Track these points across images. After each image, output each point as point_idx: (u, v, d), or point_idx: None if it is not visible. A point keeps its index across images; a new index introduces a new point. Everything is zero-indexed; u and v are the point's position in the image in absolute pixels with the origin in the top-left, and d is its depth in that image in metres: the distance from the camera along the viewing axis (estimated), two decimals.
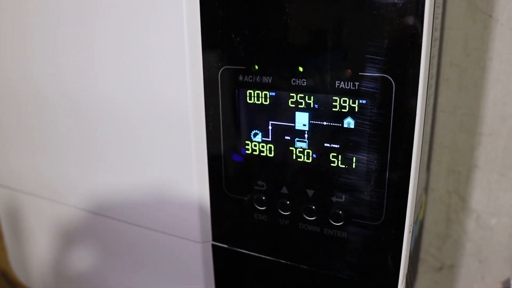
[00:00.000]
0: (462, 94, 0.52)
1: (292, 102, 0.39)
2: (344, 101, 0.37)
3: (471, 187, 0.54)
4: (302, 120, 0.39)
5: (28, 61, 0.52)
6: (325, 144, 0.39)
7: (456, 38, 0.51)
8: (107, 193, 0.51)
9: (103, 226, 0.53)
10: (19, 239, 0.66)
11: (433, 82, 0.46)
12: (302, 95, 0.38)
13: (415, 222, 0.43)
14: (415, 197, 0.37)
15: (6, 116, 0.58)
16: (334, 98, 0.37)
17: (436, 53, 0.45)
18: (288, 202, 0.41)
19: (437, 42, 0.44)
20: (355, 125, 0.37)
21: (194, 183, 0.45)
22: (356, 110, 0.37)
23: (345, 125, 0.38)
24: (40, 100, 0.53)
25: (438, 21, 0.42)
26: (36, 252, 0.64)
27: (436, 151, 0.55)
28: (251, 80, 0.40)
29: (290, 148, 0.40)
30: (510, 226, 0.53)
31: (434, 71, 0.46)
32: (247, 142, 0.42)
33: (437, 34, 0.42)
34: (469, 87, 0.52)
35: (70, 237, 0.58)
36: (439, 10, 0.41)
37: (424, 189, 0.53)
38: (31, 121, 0.55)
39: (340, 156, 0.38)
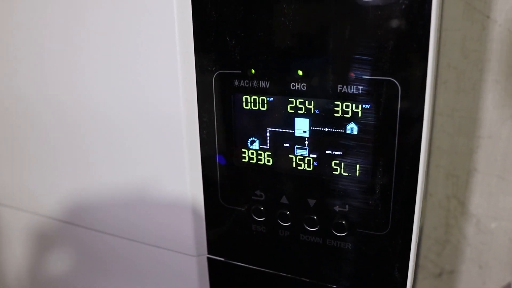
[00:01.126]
0: (460, 96, 0.51)
1: (291, 108, 0.37)
2: (347, 106, 0.35)
3: (471, 191, 0.53)
4: (302, 127, 0.37)
5: (12, 68, 0.49)
6: (327, 151, 0.37)
7: (454, 39, 0.50)
8: (98, 208, 0.49)
9: (96, 241, 0.51)
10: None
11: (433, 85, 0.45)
12: (302, 100, 0.37)
13: None
14: (421, 205, 0.36)
15: None
16: (336, 103, 0.35)
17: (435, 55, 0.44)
18: (288, 213, 0.39)
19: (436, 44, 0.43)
20: (358, 131, 0.35)
21: (188, 195, 0.43)
22: (360, 115, 0.35)
23: (348, 131, 0.36)
24: (24, 109, 0.50)
25: (438, 21, 0.41)
26: (20, 267, 0.61)
27: (435, 155, 0.54)
28: (248, 85, 0.38)
29: (290, 155, 0.38)
30: (510, 230, 0.52)
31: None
32: (243, 150, 0.40)
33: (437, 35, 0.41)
34: (467, 89, 0.51)
35: (60, 252, 0.55)
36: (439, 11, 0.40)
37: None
38: (11, 131, 0.52)
39: (342, 163, 0.37)
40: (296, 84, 0.36)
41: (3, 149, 0.54)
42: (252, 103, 0.39)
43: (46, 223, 0.54)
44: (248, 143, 0.40)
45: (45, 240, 0.56)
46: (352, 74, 0.34)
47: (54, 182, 0.51)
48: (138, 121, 0.43)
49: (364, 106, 0.35)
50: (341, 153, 0.37)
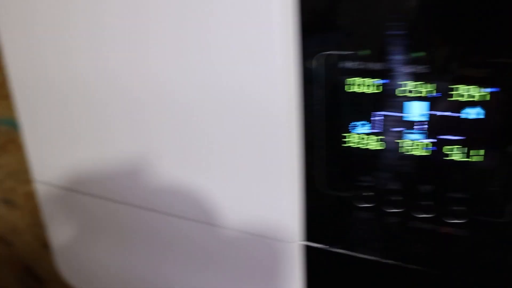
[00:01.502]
0: None
1: (408, 91, 0.36)
2: (471, 90, 0.34)
3: None
4: (419, 110, 0.36)
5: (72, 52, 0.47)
6: (446, 137, 0.36)
7: None
8: (187, 196, 0.47)
9: (185, 230, 0.49)
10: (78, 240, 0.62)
11: None
12: (422, 82, 0.35)
13: None
14: None
15: (52, 114, 0.53)
16: (459, 86, 0.34)
17: None
18: (399, 199, 0.38)
19: None
20: (484, 116, 0.34)
21: (286, 180, 0.41)
22: (486, 99, 0.34)
23: (472, 116, 0.34)
24: (87, 95, 0.49)
25: None
26: (96, 256, 0.60)
27: None
28: (359, 67, 0.37)
29: (405, 140, 0.37)
30: None
31: None
32: (351, 134, 0.39)
33: None
34: None
35: (139, 239, 0.54)
36: None
37: None
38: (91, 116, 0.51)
39: (464, 149, 0.35)
40: (414, 66, 0.35)
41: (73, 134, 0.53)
42: (364, 86, 0.37)
43: (124, 209, 0.53)
44: (357, 127, 0.38)
45: (128, 228, 0.55)
46: (479, 57, 0.33)
47: (129, 169, 0.50)
48: (231, 104, 0.42)
49: (491, 90, 0.33)
50: (462, 138, 0.35)
